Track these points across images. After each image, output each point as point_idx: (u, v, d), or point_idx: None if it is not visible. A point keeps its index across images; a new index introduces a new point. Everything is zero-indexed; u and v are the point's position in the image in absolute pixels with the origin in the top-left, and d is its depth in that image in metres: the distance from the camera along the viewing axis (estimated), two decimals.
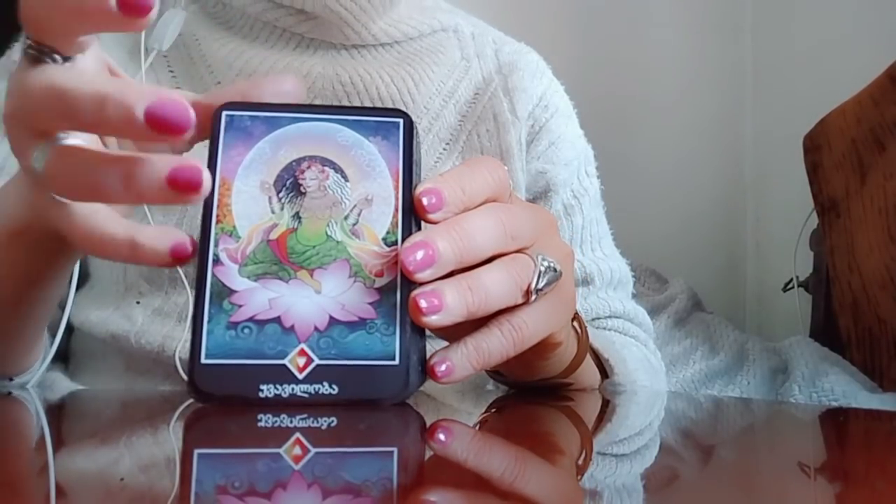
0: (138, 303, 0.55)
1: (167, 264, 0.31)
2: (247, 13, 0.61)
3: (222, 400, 0.30)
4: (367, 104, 0.60)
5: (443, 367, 0.32)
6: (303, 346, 0.30)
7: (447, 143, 0.62)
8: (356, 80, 0.60)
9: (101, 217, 0.31)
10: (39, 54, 0.30)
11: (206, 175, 0.29)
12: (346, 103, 0.59)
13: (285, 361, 0.30)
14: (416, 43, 0.64)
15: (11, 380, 0.45)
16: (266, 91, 0.33)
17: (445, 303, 0.30)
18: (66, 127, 0.30)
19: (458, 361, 0.32)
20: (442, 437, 0.29)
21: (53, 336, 0.49)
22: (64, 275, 0.41)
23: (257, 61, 0.59)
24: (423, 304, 0.30)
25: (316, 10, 0.58)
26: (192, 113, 0.28)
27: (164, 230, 0.31)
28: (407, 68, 0.62)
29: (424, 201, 0.31)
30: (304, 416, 0.29)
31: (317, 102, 0.59)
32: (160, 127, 0.27)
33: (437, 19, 0.65)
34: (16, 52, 0.61)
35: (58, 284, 0.41)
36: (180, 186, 0.28)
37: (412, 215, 0.32)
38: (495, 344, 0.33)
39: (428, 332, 0.33)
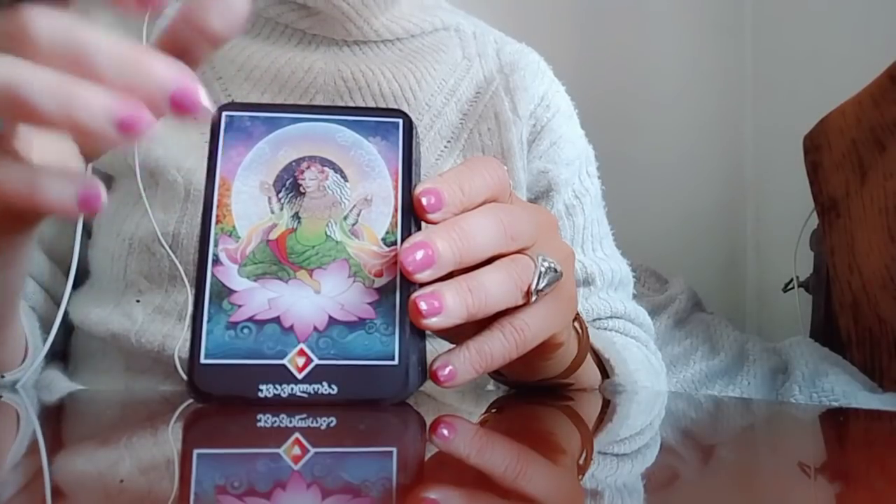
0: (138, 301, 0.55)
1: (74, 213, 0.29)
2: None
3: (222, 400, 0.30)
4: (369, 100, 0.60)
5: (445, 372, 0.32)
6: (302, 346, 0.30)
7: (448, 142, 0.62)
8: (358, 76, 0.60)
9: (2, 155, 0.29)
10: None
11: (153, 122, 0.27)
12: (347, 99, 0.59)
13: (284, 361, 0.30)
14: (417, 41, 0.64)
15: (3, 377, 0.45)
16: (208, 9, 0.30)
17: (445, 305, 0.30)
18: None
19: (460, 366, 0.32)
20: (445, 432, 0.29)
21: (48, 333, 0.49)
22: (15, 257, 0.38)
23: (259, 56, 0.59)
24: (422, 306, 0.30)
25: (318, 6, 0.59)
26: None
27: (71, 175, 0.29)
28: (409, 65, 0.62)
29: (424, 201, 0.31)
30: (304, 416, 0.29)
31: (318, 98, 0.59)
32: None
33: (439, 17, 0.66)
34: None
35: (12, 271, 0.38)
36: (127, 126, 0.27)
37: (411, 215, 0.32)
38: (497, 346, 0.32)
39: (429, 333, 0.33)
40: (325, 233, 0.32)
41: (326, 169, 0.32)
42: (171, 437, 0.29)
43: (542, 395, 0.43)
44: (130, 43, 0.28)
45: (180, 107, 0.28)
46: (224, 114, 0.33)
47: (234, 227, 0.31)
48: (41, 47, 0.27)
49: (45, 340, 0.49)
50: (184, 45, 0.30)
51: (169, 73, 0.28)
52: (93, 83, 0.27)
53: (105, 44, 0.28)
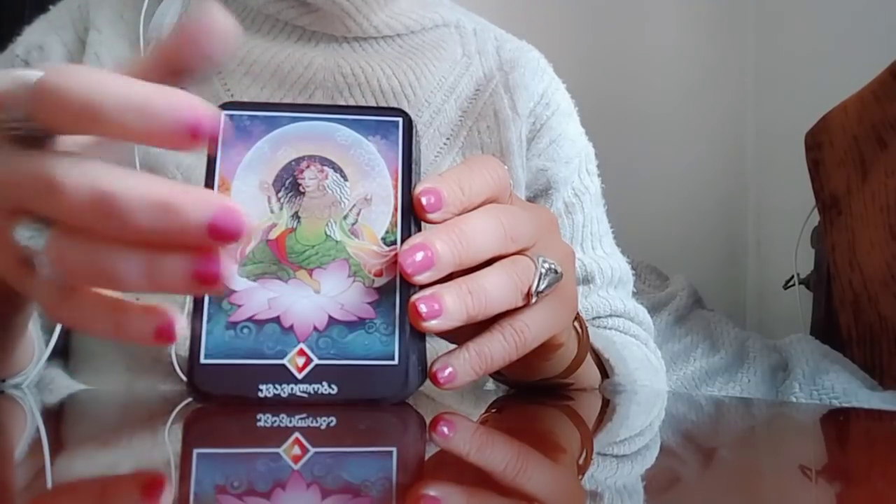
0: (138, 299, 0.55)
1: (151, 344, 0.28)
2: (248, 6, 0.61)
3: (222, 400, 0.30)
4: (369, 97, 0.60)
5: (445, 373, 0.32)
6: (302, 345, 0.30)
7: (447, 139, 0.62)
8: (357, 72, 0.60)
9: (84, 294, 0.29)
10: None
11: (233, 268, 0.27)
12: (346, 95, 0.59)
13: (284, 361, 0.30)
14: (417, 37, 0.64)
15: (3, 381, 0.45)
16: (193, 39, 0.28)
17: (445, 307, 0.30)
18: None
19: (460, 367, 0.32)
20: (445, 430, 0.29)
21: (50, 333, 0.49)
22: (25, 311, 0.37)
23: (259, 52, 0.59)
24: (422, 308, 0.30)
25: (318, 3, 0.59)
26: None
27: (150, 310, 0.28)
28: (408, 62, 0.62)
29: (423, 201, 0.31)
30: (304, 415, 0.29)
31: (318, 94, 0.59)
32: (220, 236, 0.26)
33: (439, 14, 0.65)
34: (18, 46, 0.61)
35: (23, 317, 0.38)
36: (208, 279, 0.26)
37: (411, 215, 0.32)
38: (497, 348, 0.32)
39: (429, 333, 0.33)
40: (325, 232, 0.32)
41: (326, 168, 0.32)
42: (170, 437, 0.29)
43: (542, 395, 0.43)
44: (158, 182, 0.26)
45: (222, 236, 0.26)
46: (223, 113, 0.33)
47: None
48: (71, 201, 0.26)
49: (46, 341, 0.49)
50: (181, 64, 0.28)
51: (202, 205, 0.26)
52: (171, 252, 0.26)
53: (134, 191, 0.26)
